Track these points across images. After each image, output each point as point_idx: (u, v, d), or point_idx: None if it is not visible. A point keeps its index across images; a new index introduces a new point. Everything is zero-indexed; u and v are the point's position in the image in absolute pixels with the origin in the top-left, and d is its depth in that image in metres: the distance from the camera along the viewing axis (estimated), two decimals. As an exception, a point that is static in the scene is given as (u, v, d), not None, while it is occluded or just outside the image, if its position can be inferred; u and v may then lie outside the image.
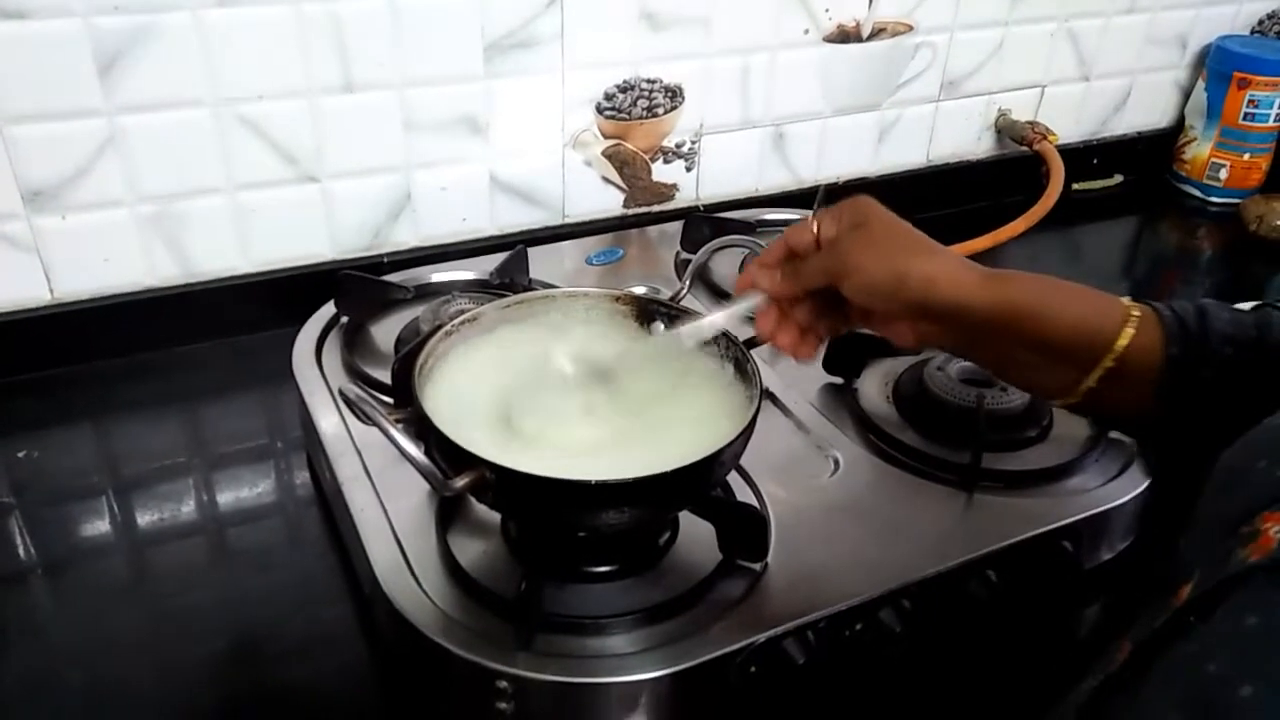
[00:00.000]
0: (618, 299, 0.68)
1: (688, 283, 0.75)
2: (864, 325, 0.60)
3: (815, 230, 0.58)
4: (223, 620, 0.65)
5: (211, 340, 0.92)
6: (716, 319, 0.62)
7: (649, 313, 0.67)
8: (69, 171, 0.83)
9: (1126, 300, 0.54)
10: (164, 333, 0.90)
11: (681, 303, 0.70)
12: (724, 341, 0.64)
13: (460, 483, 0.52)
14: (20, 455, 0.79)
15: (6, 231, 0.83)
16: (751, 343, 0.65)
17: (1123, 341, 0.52)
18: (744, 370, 0.62)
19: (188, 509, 0.74)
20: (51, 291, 0.87)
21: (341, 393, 0.55)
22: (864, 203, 0.58)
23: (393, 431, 0.51)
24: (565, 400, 0.63)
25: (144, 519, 0.73)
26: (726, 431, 0.56)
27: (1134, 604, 0.41)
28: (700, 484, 0.59)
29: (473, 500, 0.62)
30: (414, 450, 0.52)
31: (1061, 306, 0.53)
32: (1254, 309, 0.54)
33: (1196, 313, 0.53)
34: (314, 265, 0.95)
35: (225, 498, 0.76)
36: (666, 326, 0.66)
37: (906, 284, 0.54)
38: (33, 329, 0.86)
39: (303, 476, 0.77)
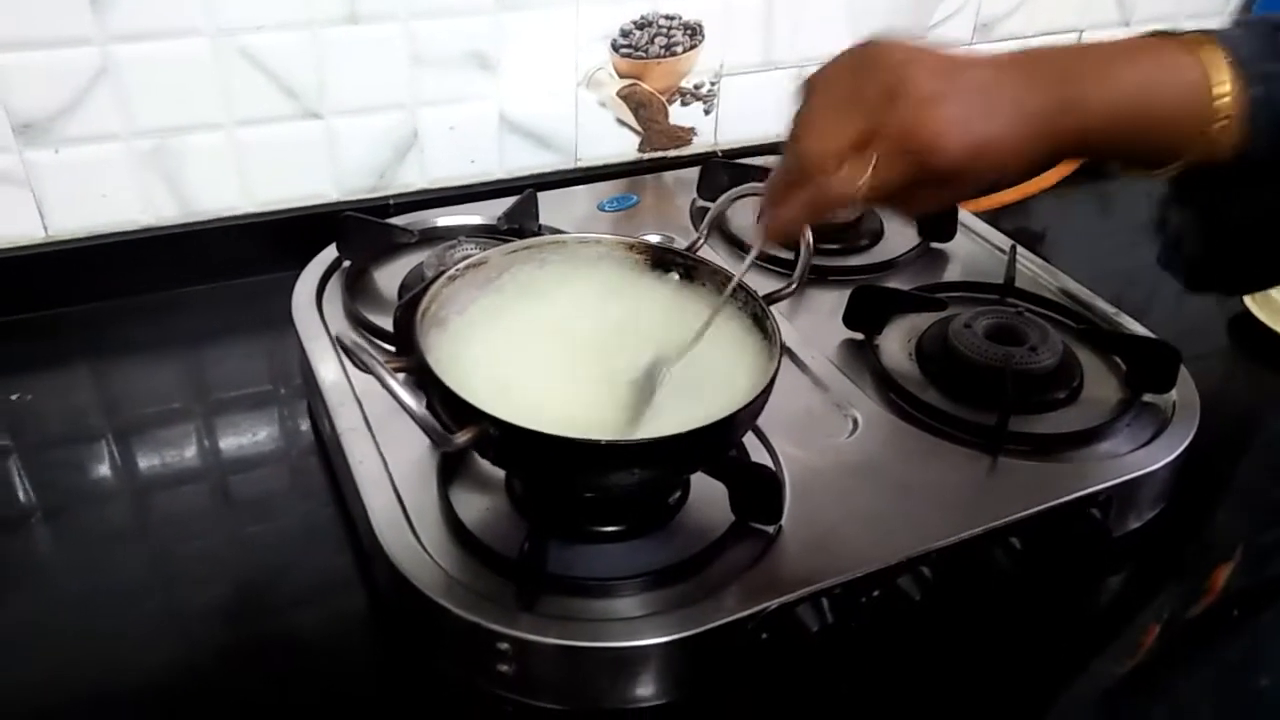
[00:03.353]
0: (631, 247, 0.65)
1: (705, 232, 0.71)
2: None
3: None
4: (223, 568, 0.64)
5: (210, 282, 0.90)
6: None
7: (663, 262, 0.65)
8: (60, 103, 0.79)
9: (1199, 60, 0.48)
10: (162, 273, 0.88)
11: (698, 253, 0.67)
12: (742, 295, 0.61)
13: (462, 438, 0.50)
14: (14, 398, 0.77)
15: (-3, 165, 0.80)
16: (771, 298, 0.62)
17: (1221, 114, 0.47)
18: (763, 326, 0.59)
19: (186, 455, 0.73)
20: (46, 229, 0.84)
21: (339, 340, 0.52)
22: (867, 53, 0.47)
23: (391, 382, 0.49)
24: (575, 352, 0.60)
25: (142, 464, 0.72)
26: (743, 391, 0.54)
27: (1159, 578, 0.38)
28: (715, 447, 0.56)
29: (476, 455, 0.60)
30: (413, 402, 0.49)
31: (1136, 114, 0.48)
32: None
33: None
34: (317, 206, 0.92)
35: (225, 444, 0.74)
36: (681, 277, 0.63)
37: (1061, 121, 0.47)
38: (27, 267, 0.84)
39: (304, 424, 0.76)
